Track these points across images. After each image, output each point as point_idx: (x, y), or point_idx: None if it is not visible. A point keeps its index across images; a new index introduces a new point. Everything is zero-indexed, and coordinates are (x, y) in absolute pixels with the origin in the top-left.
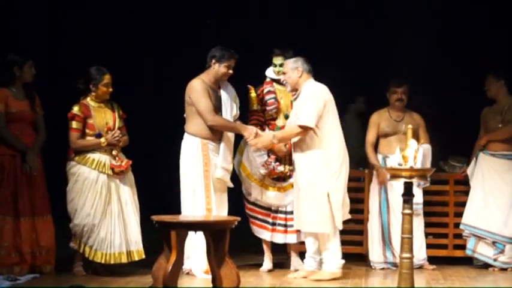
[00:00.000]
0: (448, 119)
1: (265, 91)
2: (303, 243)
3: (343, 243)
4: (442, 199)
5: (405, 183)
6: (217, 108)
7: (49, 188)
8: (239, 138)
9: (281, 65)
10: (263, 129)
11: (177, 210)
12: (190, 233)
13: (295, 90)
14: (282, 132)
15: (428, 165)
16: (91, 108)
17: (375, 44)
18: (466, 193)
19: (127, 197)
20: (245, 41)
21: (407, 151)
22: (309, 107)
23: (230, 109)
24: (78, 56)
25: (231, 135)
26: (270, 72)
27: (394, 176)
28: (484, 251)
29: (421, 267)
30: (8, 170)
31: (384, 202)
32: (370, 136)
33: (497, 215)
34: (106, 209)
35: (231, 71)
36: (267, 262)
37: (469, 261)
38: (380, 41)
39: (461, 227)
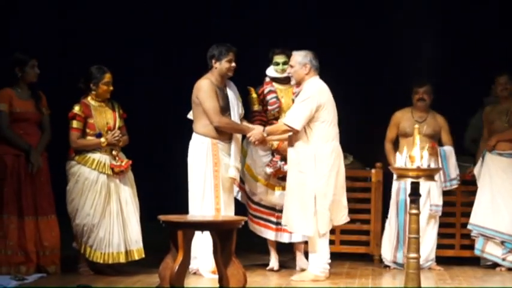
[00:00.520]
0: (452, 118)
1: (266, 91)
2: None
3: (350, 243)
4: (449, 199)
5: (412, 183)
6: (225, 108)
7: (55, 187)
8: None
9: (284, 63)
10: None
11: (178, 210)
12: (197, 233)
13: (299, 84)
14: (271, 127)
15: (453, 166)
16: (92, 108)
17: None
18: (473, 193)
19: (127, 196)
20: (244, 41)
21: (414, 151)
22: (299, 108)
23: (237, 108)
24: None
25: (239, 135)
26: (270, 72)
27: (401, 176)
28: (492, 251)
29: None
30: (12, 170)
31: (401, 202)
32: (390, 134)
33: (506, 215)
34: (105, 209)
35: (233, 64)
36: (273, 262)
37: (476, 262)
38: (385, 40)
39: (469, 227)
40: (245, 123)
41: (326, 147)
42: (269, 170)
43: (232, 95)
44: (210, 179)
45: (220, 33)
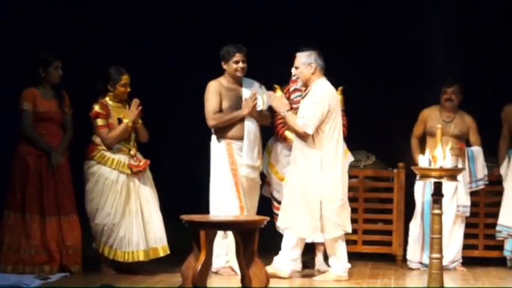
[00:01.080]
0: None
1: (291, 89)
2: None
3: (373, 243)
4: (472, 200)
5: (435, 183)
6: (234, 108)
7: (76, 187)
8: (267, 138)
9: None
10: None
11: (199, 210)
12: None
13: (306, 85)
14: (290, 117)
15: (480, 167)
16: (110, 108)
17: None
18: (497, 193)
19: (147, 195)
20: (244, 41)
21: (436, 151)
22: (312, 112)
23: (263, 101)
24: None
25: (257, 133)
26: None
27: (424, 176)
28: None
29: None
30: (34, 170)
31: (427, 203)
32: (417, 130)
33: None
34: (125, 208)
35: (241, 65)
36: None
37: (499, 262)
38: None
39: (497, 228)
40: (236, 111)
41: (332, 151)
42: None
43: (248, 92)
44: (229, 178)
45: (220, 33)
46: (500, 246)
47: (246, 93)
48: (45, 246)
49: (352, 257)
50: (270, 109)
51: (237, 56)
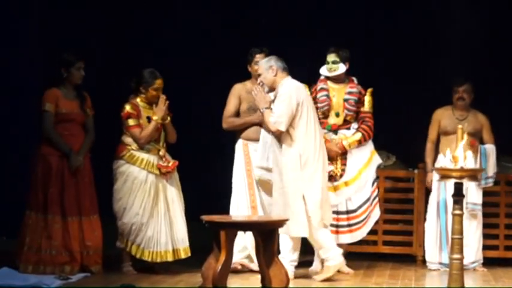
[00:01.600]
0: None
1: (318, 88)
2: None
3: (393, 243)
4: (493, 200)
5: (455, 183)
6: (255, 110)
7: (97, 187)
8: None
9: (334, 62)
10: None
11: (224, 210)
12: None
13: (273, 89)
14: (266, 115)
15: (492, 165)
16: (141, 109)
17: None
18: None
19: (173, 195)
20: (245, 41)
21: (457, 151)
22: (281, 109)
23: None
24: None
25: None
26: (323, 70)
27: (444, 177)
28: None
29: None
30: (56, 170)
31: (442, 202)
32: (432, 132)
33: None
34: (153, 208)
35: (256, 66)
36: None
37: None
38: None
39: None
40: (249, 116)
41: (310, 144)
42: None
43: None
44: (244, 178)
45: (221, 34)
46: None
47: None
48: (66, 247)
49: (372, 257)
50: None
51: (258, 57)
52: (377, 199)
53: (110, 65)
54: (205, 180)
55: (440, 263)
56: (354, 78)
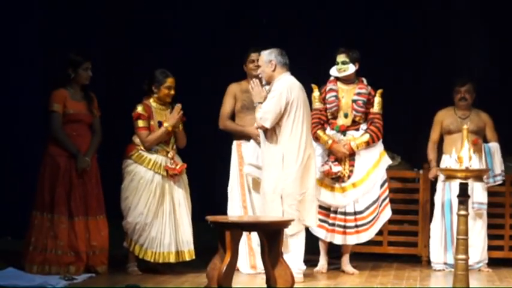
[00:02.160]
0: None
1: (327, 89)
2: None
3: (398, 244)
4: (497, 200)
5: (461, 184)
6: (249, 108)
7: (105, 187)
8: None
9: (343, 62)
10: (324, 128)
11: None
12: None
13: (269, 83)
14: (258, 108)
15: (498, 163)
16: (153, 109)
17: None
18: None
19: (180, 198)
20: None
21: (462, 151)
22: (269, 106)
23: None
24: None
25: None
26: (333, 71)
27: (450, 177)
28: None
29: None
30: (64, 171)
31: (447, 203)
32: (434, 134)
33: None
34: (158, 208)
35: (256, 63)
36: (322, 264)
37: None
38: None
39: None
40: (246, 127)
41: (294, 145)
42: (320, 170)
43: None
44: (237, 177)
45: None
46: None
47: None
48: (72, 247)
49: (378, 257)
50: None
51: (252, 56)
52: (387, 200)
53: (110, 65)
54: (212, 181)
55: (445, 264)
56: (364, 79)
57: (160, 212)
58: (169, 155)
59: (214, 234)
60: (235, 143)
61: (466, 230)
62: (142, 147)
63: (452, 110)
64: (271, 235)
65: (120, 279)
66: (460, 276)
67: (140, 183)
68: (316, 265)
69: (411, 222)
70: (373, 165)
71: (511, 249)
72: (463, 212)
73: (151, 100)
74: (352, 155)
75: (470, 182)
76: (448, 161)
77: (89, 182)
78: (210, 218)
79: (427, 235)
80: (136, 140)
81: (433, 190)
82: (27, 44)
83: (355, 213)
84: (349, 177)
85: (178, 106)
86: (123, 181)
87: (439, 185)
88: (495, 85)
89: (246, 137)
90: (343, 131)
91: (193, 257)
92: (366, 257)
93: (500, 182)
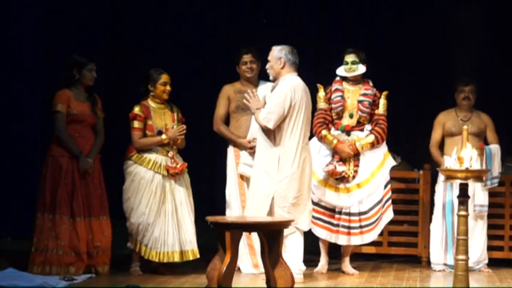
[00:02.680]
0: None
1: (333, 89)
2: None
3: (398, 244)
4: (497, 201)
5: (461, 184)
6: (243, 109)
7: (109, 188)
8: None
9: (353, 62)
10: (329, 128)
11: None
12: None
13: (275, 79)
14: (257, 114)
15: (496, 165)
16: (151, 109)
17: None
18: None
19: (182, 197)
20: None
21: (462, 152)
22: (274, 106)
23: None
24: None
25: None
26: (340, 71)
27: (450, 177)
28: None
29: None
30: (66, 171)
31: (448, 203)
32: (435, 136)
33: None
34: (160, 208)
35: (248, 65)
36: (323, 264)
37: None
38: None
39: None
40: (238, 137)
41: (292, 147)
42: (325, 169)
43: (262, 95)
44: (234, 178)
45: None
46: None
47: (260, 94)
48: (73, 248)
49: (378, 258)
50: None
51: (245, 57)
52: (390, 201)
53: (109, 65)
54: (212, 181)
55: (446, 264)
56: (370, 81)
57: (162, 211)
58: (169, 155)
59: (213, 235)
60: (231, 146)
61: (466, 230)
62: None
63: (453, 112)
64: (271, 235)
65: (121, 280)
66: (460, 277)
67: (141, 184)
68: (316, 265)
69: (411, 222)
70: (378, 166)
71: (511, 250)
72: (463, 213)
73: (149, 100)
74: (356, 155)
75: (470, 182)
76: (449, 162)
77: (91, 182)
78: (209, 218)
79: (427, 236)
80: None
81: (433, 191)
82: (27, 45)
83: (360, 213)
84: (353, 177)
85: (182, 126)
86: (124, 182)
87: (439, 186)
88: (494, 86)
89: (238, 146)
90: (347, 131)
91: (197, 256)
92: (366, 258)
93: (496, 185)
